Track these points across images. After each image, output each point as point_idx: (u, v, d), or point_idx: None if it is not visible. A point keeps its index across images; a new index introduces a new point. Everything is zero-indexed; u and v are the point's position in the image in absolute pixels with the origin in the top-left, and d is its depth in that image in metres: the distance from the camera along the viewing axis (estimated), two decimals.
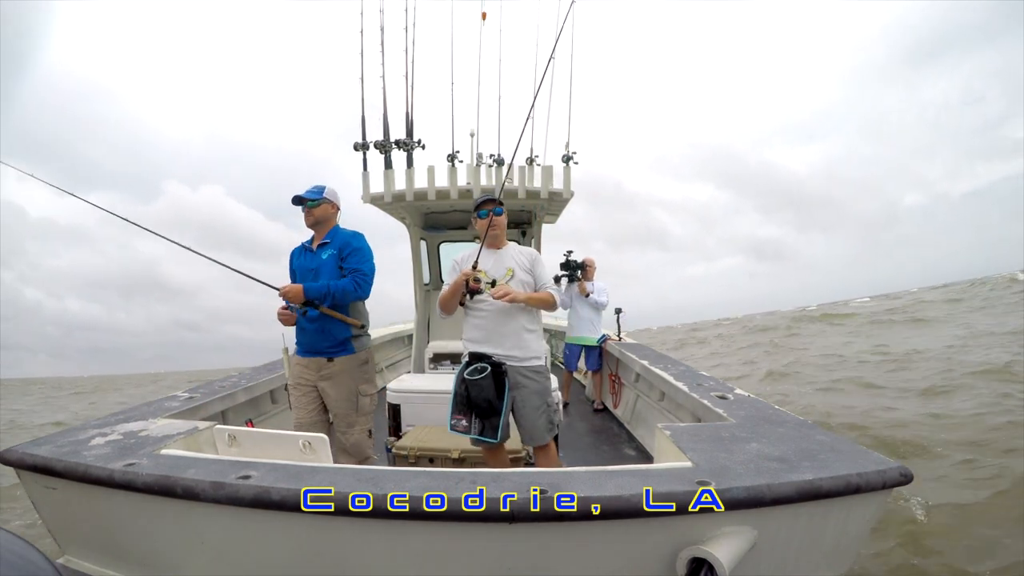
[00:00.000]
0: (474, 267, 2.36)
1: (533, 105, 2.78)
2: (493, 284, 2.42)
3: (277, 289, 2.45)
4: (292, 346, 2.72)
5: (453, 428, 2.40)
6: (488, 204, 2.51)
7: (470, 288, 2.35)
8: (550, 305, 2.51)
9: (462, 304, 2.47)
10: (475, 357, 2.43)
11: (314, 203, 2.59)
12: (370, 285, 2.55)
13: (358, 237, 2.64)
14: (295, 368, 2.63)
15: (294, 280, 2.67)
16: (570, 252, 4.99)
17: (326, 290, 2.43)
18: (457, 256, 2.61)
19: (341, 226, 2.70)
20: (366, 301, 2.66)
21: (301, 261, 2.68)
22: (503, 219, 2.56)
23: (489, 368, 2.34)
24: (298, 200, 2.60)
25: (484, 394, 2.31)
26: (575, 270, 4.89)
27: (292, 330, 2.61)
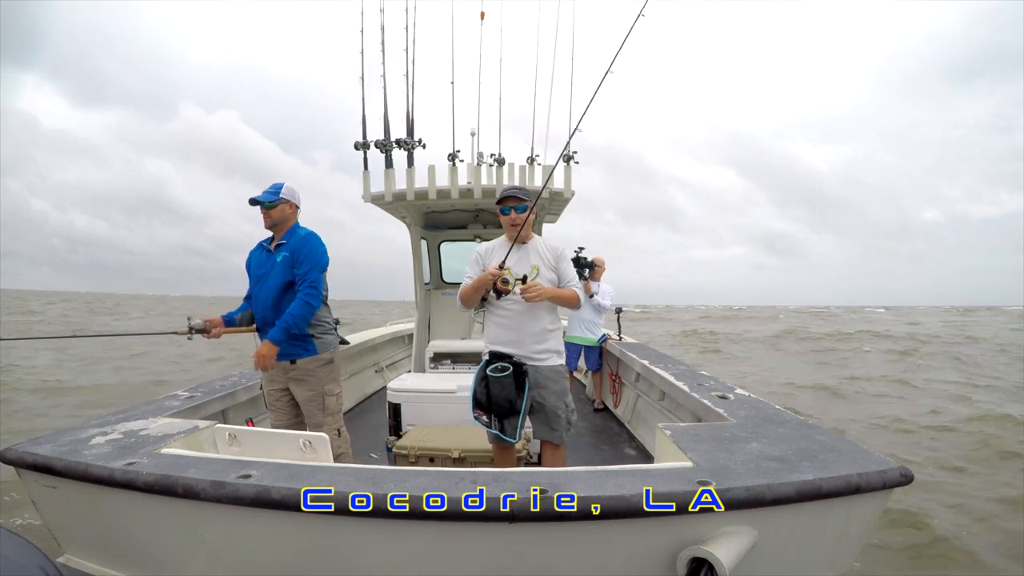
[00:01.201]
0: (501, 266, 2.29)
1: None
2: (524, 280, 2.34)
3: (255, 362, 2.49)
4: None
5: (476, 419, 2.36)
6: (510, 201, 2.42)
7: (497, 288, 2.28)
8: (575, 304, 2.48)
9: (484, 299, 2.41)
10: (496, 356, 2.40)
11: (271, 204, 2.52)
12: (317, 296, 2.49)
13: (309, 241, 2.54)
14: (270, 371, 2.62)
15: (250, 284, 2.65)
16: (581, 249, 4.99)
17: (285, 326, 2.42)
18: (480, 248, 2.55)
19: (300, 223, 2.63)
20: (327, 302, 2.65)
21: (256, 264, 2.63)
22: (527, 215, 2.44)
23: (511, 367, 2.32)
24: (254, 202, 2.53)
25: (505, 393, 2.29)
26: (583, 268, 4.89)
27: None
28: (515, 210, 2.41)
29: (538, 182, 4.40)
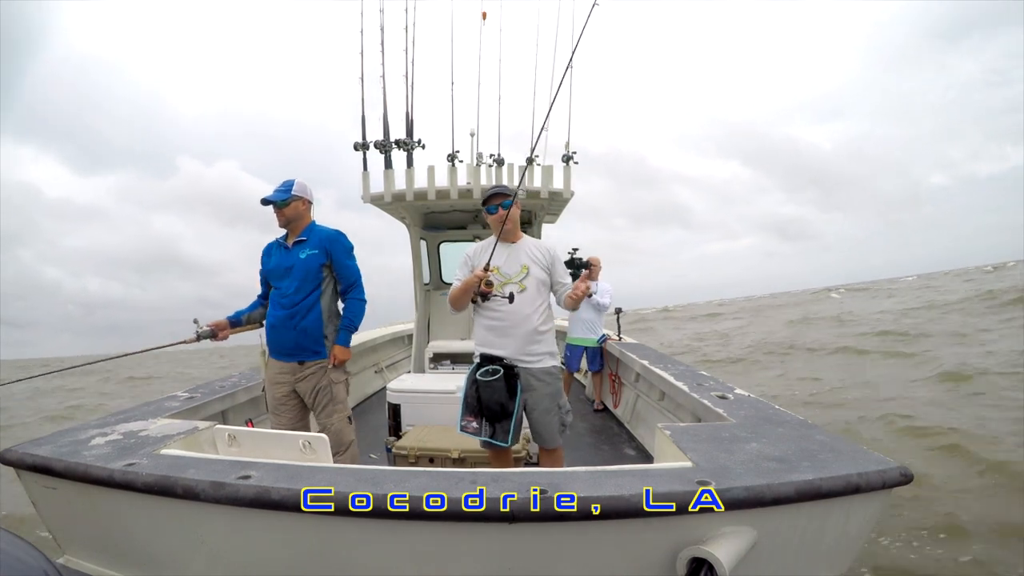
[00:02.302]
0: (486, 268, 2.25)
1: (552, 104, 2.73)
2: (520, 280, 2.36)
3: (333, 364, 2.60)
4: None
5: (463, 430, 2.31)
6: (496, 198, 2.41)
7: (481, 291, 2.25)
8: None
9: (473, 302, 2.38)
10: (486, 359, 2.35)
11: (283, 203, 2.53)
12: (364, 291, 2.66)
13: (339, 241, 2.59)
14: (271, 369, 2.63)
15: (268, 278, 2.68)
16: (575, 250, 5.00)
17: (352, 328, 2.63)
18: (469, 250, 2.52)
19: (316, 222, 2.67)
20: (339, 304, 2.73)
21: (276, 259, 2.63)
22: (515, 211, 2.42)
23: (501, 370, 2.27)
24: (266, 202, 2.55)
25: (496, 396, 2.23)
26: (579, 269, 4.89)
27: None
28: (502, 207, 2.39)
29: (538, 182, 4.40)
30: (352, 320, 2.63)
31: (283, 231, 2.63)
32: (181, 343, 2.60)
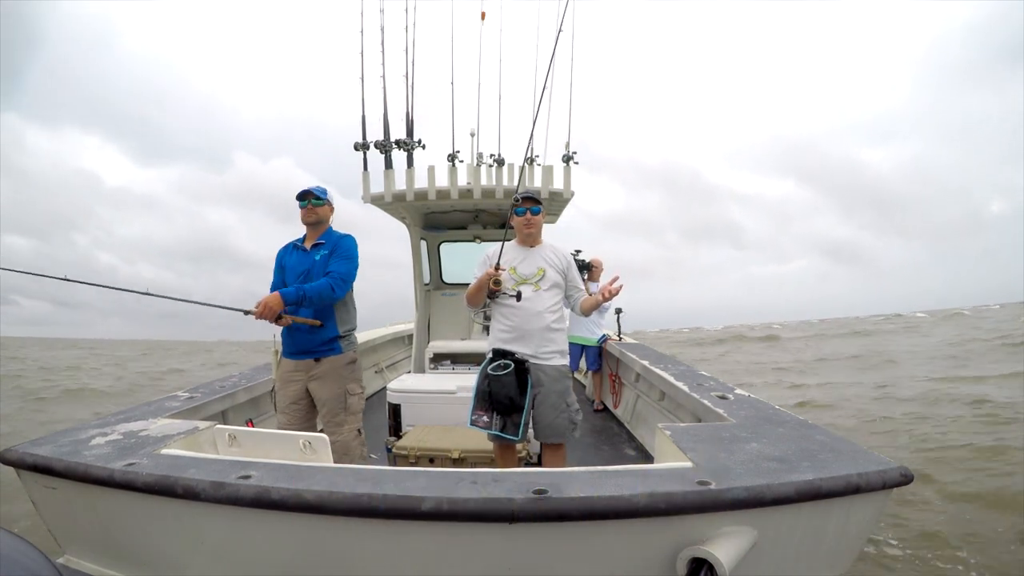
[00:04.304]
0: (496, 267, 2.35)
1: (546, 104, 2.74)
2: (535, 281, 2.45)
3: (248, 312, 2.42)
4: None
5: (473, 423, 2.39)
6: (529, 201, 2.53)
7: (490, 290, 2.36)
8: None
9: (491, 297, 2.46)
10: (499, 354, 2.44)
11: (319, 201, 2.65)
12: (345, 287, 2.56)
13: (348, 239, 2.67)
14: (284, 369, 2.63)
15: (283, 279, 2.68)
16: (578, 252, 5.01)
17: (301, 293, 2.42)
18: (489, 250, 2.61)
19: (333, 227, 2.75)
20: (354, 303, 2.72)
21: (292, 260, 2.68)
22: (540, 218, 2.57)
23: (512, 365, 2.36)
24: (304, 194, 2.62)
25: (506, 391, 2.32)
26: (581, 270, 4.91)
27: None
28: (531, 211, 2.51)
29: (538, 182, 4.40)
30: (311, 290, 2.45)
31: (301, 234, 2.72)
32: (243, 311, 2.49)
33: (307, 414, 2.62)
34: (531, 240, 2.59)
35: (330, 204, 2.69)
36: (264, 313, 2.40)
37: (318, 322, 2.54)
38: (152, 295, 2.52)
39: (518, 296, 2.37)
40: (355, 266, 2.63)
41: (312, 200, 2.62)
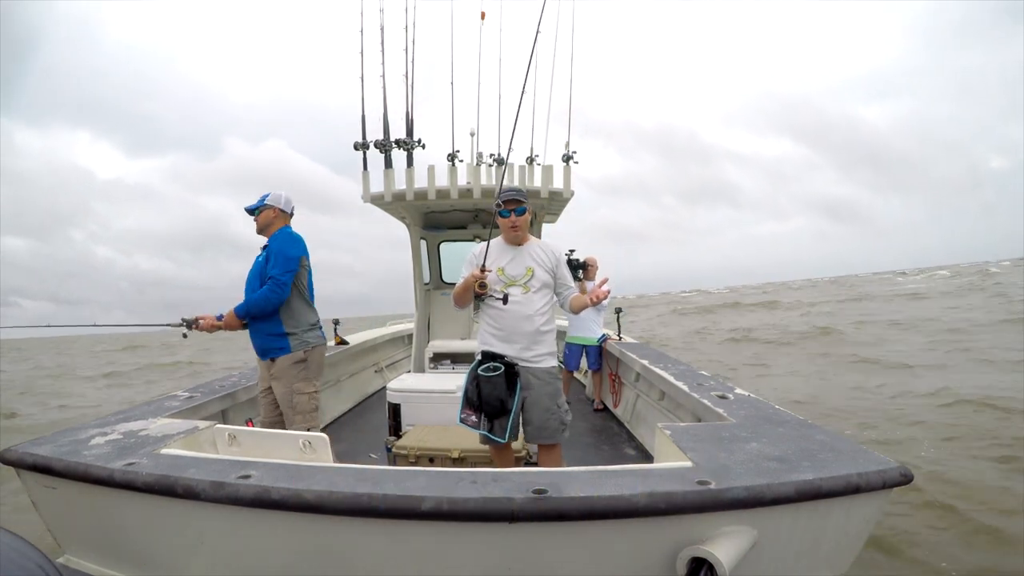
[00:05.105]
0: (483, 269, 2.32)
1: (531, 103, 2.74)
2: (524, 282, 2.42)
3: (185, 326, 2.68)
4: None
5: (462, 421, 2.39)
6: (512, 203, 2.44)
7: (476, 292, 2.33)
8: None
9: (478, 298, 2.42)
10: (488, 356, 2.41)
11: (256, 211, 2.76)
12: (282, 290, 2.61)
13: (277, 239, 2.70)
14: (259, 366, 2.82)
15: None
16: (572, 251, 5.00)
17: (246, 307, 2.63)
18: (476, 249, 2.56)
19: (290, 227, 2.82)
20: (306, 299, 2.78)
21: (253, 266, 2.80)
22: (526, 217, 2.48)
23: (502, 367, 2.34)
24: (247, 210, 2.80)
25: (496, 392, 2.31)
26: (576, 270, 4.89)
27: None
28: (515, 213, 2.43)
29: (537, 182, 4.40)
30: (249, 303, 2.64)
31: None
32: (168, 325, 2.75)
33: (273, 409, 2.79)
34: (518, 239, 2.51)
35: (271, 207, 2.75)
36: (207, 326, 2.68)
37: (236, 325, 2.69)
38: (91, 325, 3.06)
39: (504, 299, 2.32)
40: (288, 267, 2.63)
41: (250, 212, 2.77)
